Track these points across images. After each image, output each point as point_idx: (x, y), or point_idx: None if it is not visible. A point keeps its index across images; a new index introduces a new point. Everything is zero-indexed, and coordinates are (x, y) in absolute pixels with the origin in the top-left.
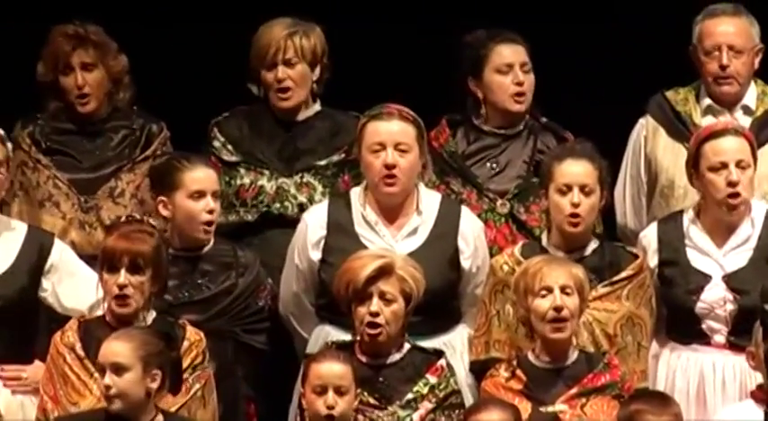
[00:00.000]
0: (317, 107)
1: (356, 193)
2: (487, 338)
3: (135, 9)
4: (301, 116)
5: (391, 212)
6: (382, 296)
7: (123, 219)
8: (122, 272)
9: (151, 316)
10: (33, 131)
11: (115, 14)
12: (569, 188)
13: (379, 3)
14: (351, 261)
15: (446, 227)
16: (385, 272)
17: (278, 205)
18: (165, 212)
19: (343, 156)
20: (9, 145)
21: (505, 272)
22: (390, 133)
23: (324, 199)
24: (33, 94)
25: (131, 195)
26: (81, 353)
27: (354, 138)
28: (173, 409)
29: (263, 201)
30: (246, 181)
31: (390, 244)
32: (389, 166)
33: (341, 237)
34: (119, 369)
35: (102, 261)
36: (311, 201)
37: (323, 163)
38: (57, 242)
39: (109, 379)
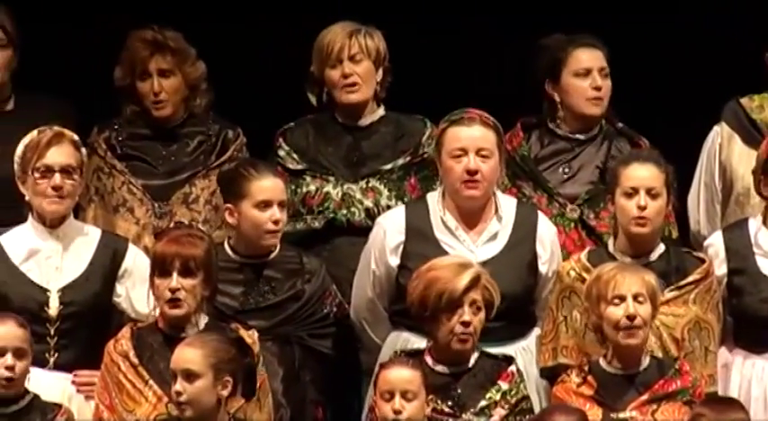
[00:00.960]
0: (381, 111)
1: (434, 198)
2: (555, 344)
3: (214, 15)
4: (365, 121)
5: (471, 218)
6: (473, 305)
7: (172, 225)
8: (174, 275)
9: (203, 320)
10: (109, 137)
11: (194, 19)
12: (636, 191)
13: (450, 5)
14: (436, 270)
15: (524, 232)
16: (476, 281)
17: (344, 211)
18: (231, 220)
19: (408, 159)
20: (84, 150)
21: (572, 278)
22: (472, 138)
23: (390, 202)
24: (111, 100)
25: (206, 201)
26: (135, 360)
27: (419, 141)
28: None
29: (330, 208)
30: (312, 188)
31: (471, 249)
32: (472, 172)
33: (420, 242)
34: (190, 376)
35: (153, 266)
36: (377, 205)
37: (388, 167)
38: (131, 247)
39: (180, 385)
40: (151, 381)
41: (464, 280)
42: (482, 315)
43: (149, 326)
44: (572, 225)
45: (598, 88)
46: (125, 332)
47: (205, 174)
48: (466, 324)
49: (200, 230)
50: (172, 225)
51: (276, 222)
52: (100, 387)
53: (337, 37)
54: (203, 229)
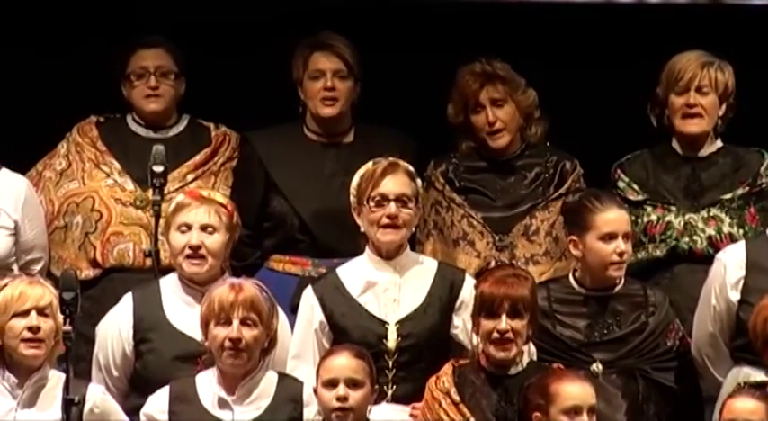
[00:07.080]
0: (718, 143)
1: None
2: None
3: (543, 49)
4: (704, 152)
5: None
6: None
7: (493, 264)
8: (503, 317)
9: (526, 359)
10: (446, 170)
11: (522, 52)
12: None
13: None
14: (766, 298)
15: None
16: None
17: (687, 239)
18: (575, 252)
19: (747, 189)
20: (419, 181)
21: None
22: None
23: (732, 230)
24: (447, 134)
25: (546, 233)
26: (456, 397)
27: (757, 172)
28: None
29: (672, 236)
30: (654, 217)
31: None
32: None
33: (761, 277)
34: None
35: (479, 306)
36: (719, 233)
37: (728, 196)
38: (467, 278)
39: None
40: (472, 419)
41: None
42: None
43: (471, 363)
44: None
45: None
46: (446, 369)
47: (544, 206)
48: None
49: (522, 269)
50: (492, 264)
51: (621, 254)
52: None
53: (690, 65)
54: (524, 268)
